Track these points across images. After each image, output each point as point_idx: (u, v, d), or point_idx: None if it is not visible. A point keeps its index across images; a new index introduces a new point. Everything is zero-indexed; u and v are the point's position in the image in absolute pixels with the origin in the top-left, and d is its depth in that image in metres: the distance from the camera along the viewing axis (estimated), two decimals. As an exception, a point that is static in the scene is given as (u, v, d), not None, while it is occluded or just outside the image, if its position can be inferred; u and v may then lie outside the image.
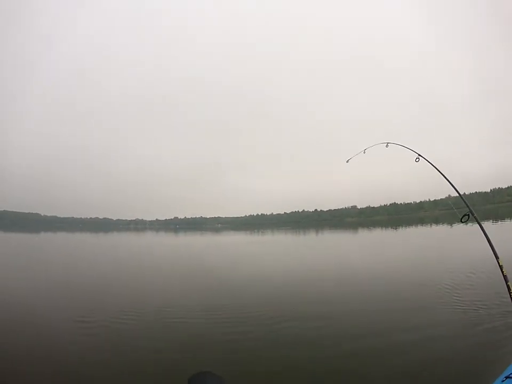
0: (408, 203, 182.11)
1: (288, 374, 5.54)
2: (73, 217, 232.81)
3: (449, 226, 46.46)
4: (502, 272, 1.33)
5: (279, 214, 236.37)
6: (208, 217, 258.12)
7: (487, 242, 2.72)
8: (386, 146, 4.95)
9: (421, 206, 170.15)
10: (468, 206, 2.25)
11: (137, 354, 6.39)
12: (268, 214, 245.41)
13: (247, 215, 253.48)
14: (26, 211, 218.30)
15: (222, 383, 1.86)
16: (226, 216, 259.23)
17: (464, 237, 27.60)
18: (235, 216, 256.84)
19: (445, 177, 3.26)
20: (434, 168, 3.55)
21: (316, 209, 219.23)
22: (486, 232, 2.24)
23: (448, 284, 10.82)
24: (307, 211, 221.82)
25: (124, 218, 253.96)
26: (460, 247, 20.52)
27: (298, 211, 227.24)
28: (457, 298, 9.30)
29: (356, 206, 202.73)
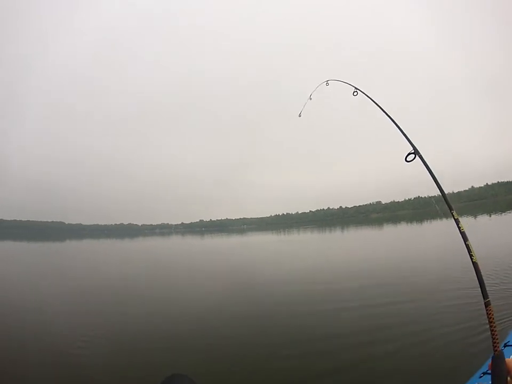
0: (432, 196, 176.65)
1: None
2: (98, 224, 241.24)
3: (474, 218, 44.81)
4: (459, 227, 1.09)
5: (304, 212, 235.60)
6: (233, 218, 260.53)
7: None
8: (327, 84, 4.84)
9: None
10: (411, 144, 2.15)
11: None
12: (293, 213, 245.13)
13: (273, 215, 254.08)
14: (50, 220, 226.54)
15: None
16: (252, 217, 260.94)
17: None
18: (260, 216, 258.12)
19: (387, 115, 2.81)
20: (371, 100, 3.22)
21: (340, 206, 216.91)
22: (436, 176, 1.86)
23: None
24: (332, 208, 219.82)
25: (149, 223, 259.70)
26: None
27: (323, 209, 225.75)
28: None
29: (380, 201, 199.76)
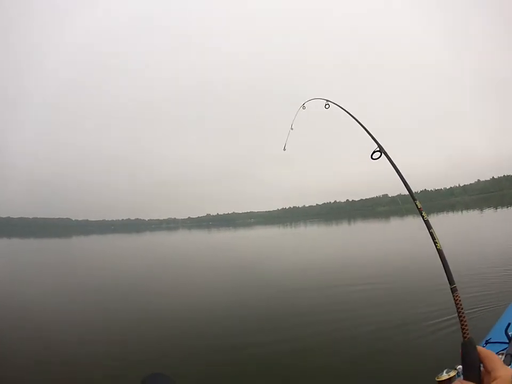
0: (438, 189, 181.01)
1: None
2: (104, 219, 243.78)
3: (480, 212, 44.33)
4: (422, 216, 1.07)
5: (311, 206, 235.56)
6: (240, 212, 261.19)
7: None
8: (304, 108, 4.53)
9: (451, 192, 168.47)
10: (376, 143, 1.73)
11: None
12: (300, 206, 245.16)
13: (279, 209, 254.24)
14: (57, 216, 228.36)
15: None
16: (259, 210, 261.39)
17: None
18: (267, 210, 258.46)
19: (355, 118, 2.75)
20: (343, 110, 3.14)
21: (347, 199, 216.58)
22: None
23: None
24: (339, 202, 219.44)
25: (156, 218, 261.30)
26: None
27: (330, 202, 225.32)
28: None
29: (387, 194, 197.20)
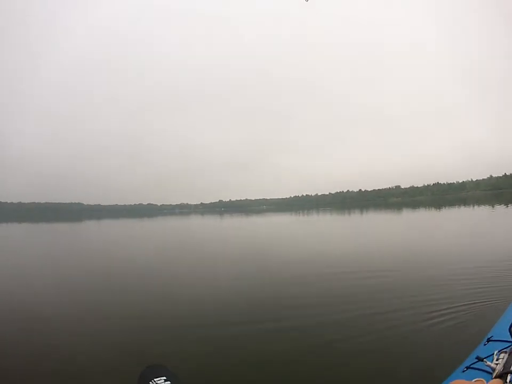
0: (451, 183, 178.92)
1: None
2: (117, 204, 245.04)
3: (491, 208, 43.53)
4: None
5: (324, 194, 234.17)
6: (253, 199, 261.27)
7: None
8: None
9: (463, 186, 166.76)
10: None
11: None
12: (312, 194, 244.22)
13: (292, 196, 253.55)
14: (69, 201, 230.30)
15: (173, 375, 1.91)
16: (272, 197, 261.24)
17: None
18: (280, 197, 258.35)
19: None
20: None
21: (360, 189, 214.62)
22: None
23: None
24: (351, 191, 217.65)
25: (168, 203, 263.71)
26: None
27: (342, 191, 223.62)
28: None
29: (399, 185, 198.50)
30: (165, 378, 1.86)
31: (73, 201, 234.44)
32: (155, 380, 1.84)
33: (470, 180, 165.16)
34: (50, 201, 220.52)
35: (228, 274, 12.11)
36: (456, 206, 56.93)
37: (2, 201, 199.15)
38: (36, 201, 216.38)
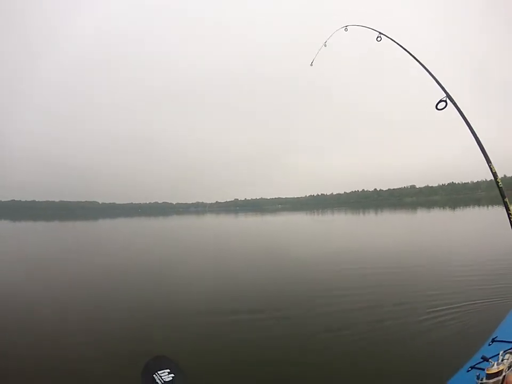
0: (465, 182, 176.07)
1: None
2: (131, 202, 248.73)
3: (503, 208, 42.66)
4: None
5: (339, 193, 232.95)
6: (268, 198, 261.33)
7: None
8: (346, 30, 4.43)
9: (477, 185, 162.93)
10: (443, 89, 2.01)
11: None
12: (327, 194, 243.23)
13: (307, 195, 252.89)
14: (84, 200, 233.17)
15: (177, 368, 1.91)
16: (287, 196, 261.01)
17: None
18: (295, 196, 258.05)
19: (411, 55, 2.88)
20: (398, 45, 3.06)
21: (375, 189, 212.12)
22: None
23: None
24: (367, 191, 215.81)
25: (183, 202, 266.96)
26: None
27: (358, 191, 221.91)
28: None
29: (414, 185, 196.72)
30: (169, 370, 1.86)
31: (88, 200, 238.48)
32: (159, 372, 1.84)
33: (484, 179, 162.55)
34: (64, 200, 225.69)
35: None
36: (471, 206, 56.08)
37: (16, 199, 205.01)
38: (50, 200, 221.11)
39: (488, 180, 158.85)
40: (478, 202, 71.19)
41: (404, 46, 3.10)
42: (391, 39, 3.13)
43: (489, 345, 2.75)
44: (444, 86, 1.88)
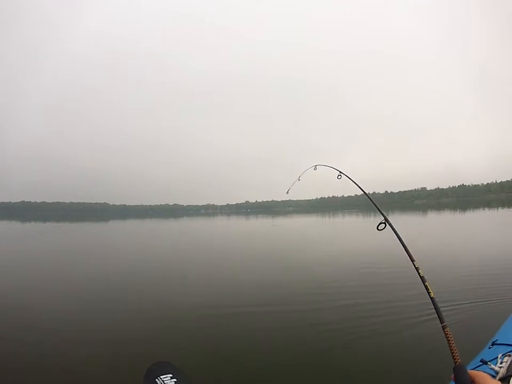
0: (476, 185, 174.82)
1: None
2: (142, 204, 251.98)
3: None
4: (419, 273, 1.46)
5: (349, 196, 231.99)
6: (279, 200, 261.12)
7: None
8: (315, 169, 5.06)
9: (488, 188, 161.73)
10: (383, 215, 2.27)
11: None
12: (338, 196, 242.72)
13: (318, 198, 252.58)
14: (94, 201, 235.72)
15: (181, 374, 1.93)
16: (298, 199, 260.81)
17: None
18: (306, 198, 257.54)
19: (362, 190, 3.46)
20: (354, 183, 3.76)
21: (386, 191, 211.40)
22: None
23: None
24: (377, 193, 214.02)
25: (194, 204, 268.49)
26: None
27: (368, 193, 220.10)
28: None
29: (425, 187, 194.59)
30: (171, 375, 1.87)
31: (98, 201, 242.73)
32: (161, 377, 1.85)
33: (494, 181, 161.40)
34: (74, 201, 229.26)
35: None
36: (481, 209, 55.65)
37: (26, 200, 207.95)
38: (60, 201, 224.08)
39: (498, 181, 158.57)
40: (488, 204, 70.51)
41: (356, 182, 3.81)
42: (348, 177, 3.82)
43: (490, 348, 2.75)
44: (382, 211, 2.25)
